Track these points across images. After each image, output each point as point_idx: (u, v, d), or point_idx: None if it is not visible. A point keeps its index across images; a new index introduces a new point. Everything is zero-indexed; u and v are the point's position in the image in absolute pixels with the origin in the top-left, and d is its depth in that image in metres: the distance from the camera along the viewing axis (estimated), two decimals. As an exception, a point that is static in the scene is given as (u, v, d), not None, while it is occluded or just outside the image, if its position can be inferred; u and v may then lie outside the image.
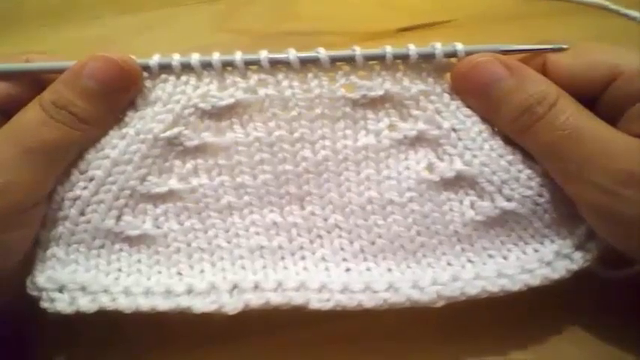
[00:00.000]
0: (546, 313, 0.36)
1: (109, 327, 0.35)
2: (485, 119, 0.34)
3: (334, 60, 0.34)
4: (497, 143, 0.34)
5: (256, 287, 0.33)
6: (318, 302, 0.32)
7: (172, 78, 0.34)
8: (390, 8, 0.54)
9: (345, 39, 0.50)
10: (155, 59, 0.34)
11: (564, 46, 0.34)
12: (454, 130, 0.34)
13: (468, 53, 0.34)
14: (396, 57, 0.34)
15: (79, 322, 0.33)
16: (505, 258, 0.35)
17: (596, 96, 0.33)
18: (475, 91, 0.33)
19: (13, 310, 0.34)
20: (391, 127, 0.35)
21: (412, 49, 0.34)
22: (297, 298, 0.32)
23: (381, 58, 0.34)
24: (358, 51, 0.34)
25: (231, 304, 0.32)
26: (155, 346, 0.37)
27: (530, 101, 0.31)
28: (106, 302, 0.33)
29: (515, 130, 0.33)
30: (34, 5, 0.57)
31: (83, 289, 0.33)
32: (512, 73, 0.32)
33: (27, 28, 0.55)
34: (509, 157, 0.34)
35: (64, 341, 0.37)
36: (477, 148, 0.34)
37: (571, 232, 0.34)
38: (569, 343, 0.36)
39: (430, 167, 0.35)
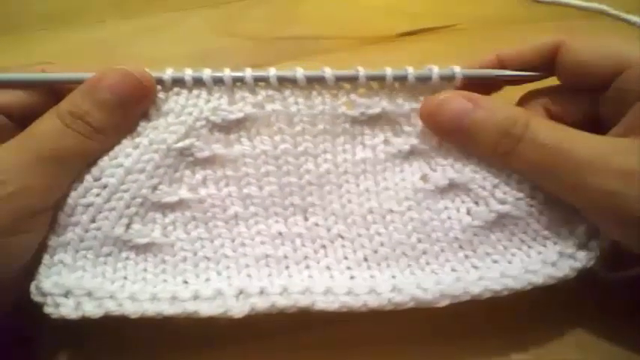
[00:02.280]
0: (548, 315, 0.37)
1: (111, 329, 0.35)
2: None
3: (338, 79, 0.36)
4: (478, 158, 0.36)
5: (262, 292, 0.34)
6: (323, 303, 0.33)
7: (185, 91, 0.36)
8: (391, 13, 0.54)
9: (346, 43, 0.51)
10: (168, 73, 0.36)
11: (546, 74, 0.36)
12: (443, 142, 0.36)
13: (465, 76, 0.36)
14: (395, 78, 0.36)
15: (80, 324, 0.33)
16: (510, 262, 0.35)
17: (600, 90, 0.34)
18: (447, 128, 0.35)
19: (16, 312, 0.34)
20: (386, 142, 0.37)
21: (410, 72, 0.36)
22: (303, 300, 0.33)
23: (381, 79, 0.36)
24: (361, 71, 0.36)
25: (237, 308, 0.33)
26: (156, 347, 0.37)
27: (505, 125, 0.33)
28: (112, 307, 0.33)
29: (499, 155, 0.34)
30: (37, 10, 0.57)
31: (89, 294, 0.33)
32: (478, 105, 0.34)
33: (29, 32, 0.55)
34: None
35: (65, 343, 0.37)
36: (466, 156, 0.36)
37: (572, 232, 0.35)
38: (570, 346, 0.36)
39: (424, 177, 0.37)
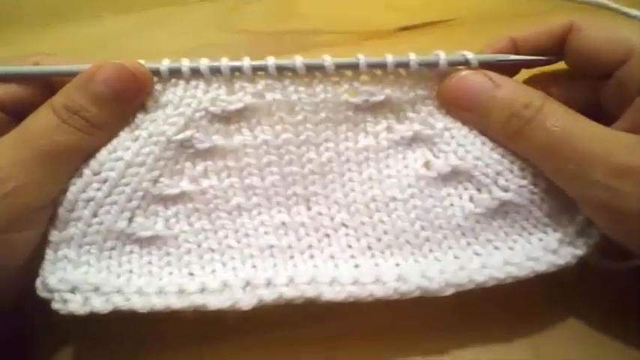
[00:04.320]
0: (549, 308, 0.38)
1: (108, 326, 0.35)
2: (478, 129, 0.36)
3: (339, 67, 0.36)
4: (488, 138, 0.36)
5: (269, 283, 0.34)
6: (330, 294, 0.33)
7: (182, 82, 0.35)
8: (390, 7, 0.54)
9: (345, 38, 0.51)
10: (165, 64, 0.35)
11: (554, 58, 0.36)
12: (447, 128, 0.36)
13: (472, 61, 0.35)
14: (397, 65, 0.36)
15: (78, 321, 0.33)
16: (511, 249, 0.36)
17: (604, 77, 0.34)
18: (463, 103, 0.35)
19: (14, 310, 0.34)
20: (388, 129, 0.37)
21: (412, 58, 0.36)
22: (310, 291, 0.34)
23: (383, 66, 0.36)
24: (362, 58, 0.36)
25: (245, 300, 0.33)
26: (153, 344, 0.37)
27: (517, 106, 0.33)
28: (119, 302, 0.33)
29: (507, 135, 0.34)
30: (33, 4, 0.56)
31: (96, 289, 0.34)
32: (497, 83, 0.34)
33: (26, 27, 0.54)
34: (501, 150, 0.35)
35: (65, 341, 0.38)
36: (469, 143, 0.36)
37: (571, 219, 0.35)
38: (571, 340, 0.37)
39: (427, 164, 0.37)
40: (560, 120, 0.32)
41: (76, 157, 0.34)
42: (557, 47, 0.36)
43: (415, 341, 0.37)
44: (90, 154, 0.34)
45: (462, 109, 0.36)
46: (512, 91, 0.34)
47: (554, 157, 0.32)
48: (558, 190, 0.35)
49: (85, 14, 0.55)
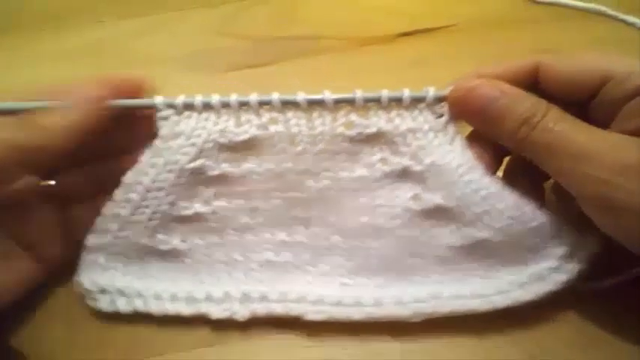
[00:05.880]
0: (544, 313, 0.38)
1: (105, 330, 0.38)
2: (473, 146, 0.38)
3: (337, 101, 0.38)
4: (474, 177, 0.37)
5: (263, 298, 0.39)
6: (313, 314, 0.38)
7: (195, 114, 0.39)
8: (390, 13, 0.54)
9: (345, 44, 0.51)
10: (180, 99, 0.39)
11: None
12: (435, 165, 0.38)
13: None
14: (391, 99, 0.38)
15: (72, 325, 0.37)
16: (484, 280, 0.38)
17: (586, 101, 0.36)
18: (474, 113, 0.37)
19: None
20: (382, 160, 0.39)
21: (406, 93, 0.38)
22: (296, 310, 0.38)
23: (377, 101, 0.38)
24: (359, 94, 0.38)
25: (240, 312, 0.38)
26: (151, 348, 0.39)
27: (526, 114, 0.35)
28: (139, 305, 0.39)
29: (516, 141, 0.36)
30: (34, 9, 0.58)
31: (121, 292, 0.40)
32: (504, 93, 0.36)
33: (27, 32, 0.56)
34: (485, 192, 0.37)
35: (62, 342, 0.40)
36: (455, 182, 0.37)
37: (545, 256, 0.37)
38: (567, 344, 0.37)
39: (415, 198, 0.39)
40: (561, 122, 0.34)
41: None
42: (526, 83, 0.37)
43: (413, 341, 0.38)
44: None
45: (471, 117, 0.38)
46: (517, 101, 0.35)
47: (555, 156, 0.34)
48: (534, 231, 0.36)
49: (87, 19, 0.56)
